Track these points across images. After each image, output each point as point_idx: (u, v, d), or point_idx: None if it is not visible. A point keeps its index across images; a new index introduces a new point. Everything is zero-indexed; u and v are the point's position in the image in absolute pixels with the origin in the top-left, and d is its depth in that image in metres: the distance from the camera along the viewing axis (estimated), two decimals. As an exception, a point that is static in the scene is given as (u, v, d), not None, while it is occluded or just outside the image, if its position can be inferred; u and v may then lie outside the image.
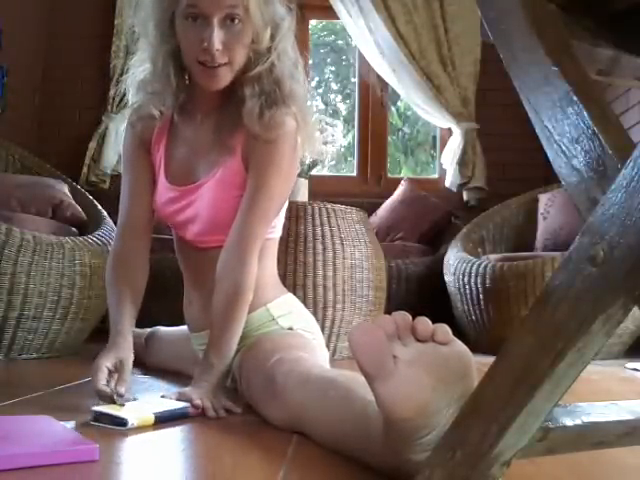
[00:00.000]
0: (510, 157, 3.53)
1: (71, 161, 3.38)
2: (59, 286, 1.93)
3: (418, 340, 0.70)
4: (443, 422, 0.67)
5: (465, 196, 3.49)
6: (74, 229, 2.34)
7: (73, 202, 2.42)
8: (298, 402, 1.00)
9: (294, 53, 1.35)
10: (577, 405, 0.61)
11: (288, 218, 2.15)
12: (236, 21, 1.23)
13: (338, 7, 3.52)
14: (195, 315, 1.46)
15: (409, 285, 2.90)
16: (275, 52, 1.29)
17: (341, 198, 2.77)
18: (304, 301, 2.03)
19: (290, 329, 1.37)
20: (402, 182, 3.48)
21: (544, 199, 2.95)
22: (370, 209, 3.02)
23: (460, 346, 0.71)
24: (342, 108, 4.72)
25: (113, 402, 1.11)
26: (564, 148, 0.53)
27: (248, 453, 0.93)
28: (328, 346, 2.00)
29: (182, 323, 1.58)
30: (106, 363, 1.21)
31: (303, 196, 2.48)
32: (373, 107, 3.78)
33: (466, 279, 2.59)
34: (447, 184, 3.52)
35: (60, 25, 3.61)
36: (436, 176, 3.80)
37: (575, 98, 0.52)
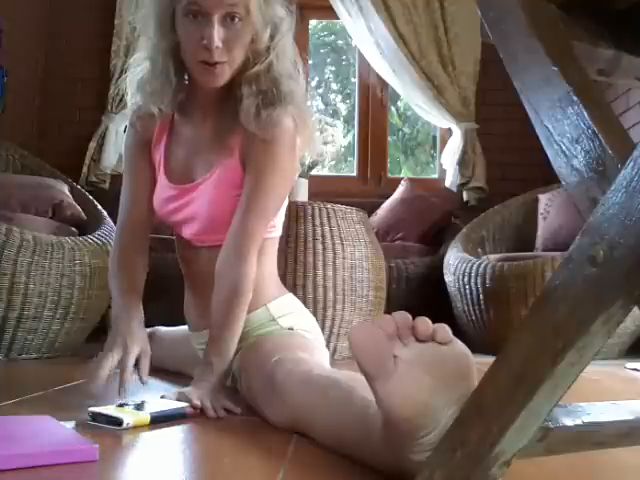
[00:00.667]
0: (510, 157, 3.53)
1: (71, 161, 3.38)
2: (59, 286, 1.93)
3: (418, 340, 0.70)
4: (443, 422, 0.67)
5: (465, 196, 3.49)
6: (74, 229, 2.34)
7: (73, 202, 2.42)
8: (298, 402, 1.00)
9: (293, 54, 1.36)
10: (577, 405, 0.61)
11: (288, 218, 2.16)
12: (236, 20, 1.23)
13: (338, 7, 3.52)
14: (195, 314, 1.46)
15: (409, 285, 2.90)
16: (274, 52, 1.30)
17: (341, 198, 2.77)
18: (304, 301, 2.03)
19: (290, 329, 1.37)
20: (402, 182, 3.48)
21: (544, 199, 2.95)
22: (370, 209, 3.02)
23: (460, 346, 0.71)
24: (342, 108, 4.72)
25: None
26: (564, 148, 0.53)
27: (248, 453, 0.93)
28: (328, 346, 2.00)
29: (182, 323, 1.58)
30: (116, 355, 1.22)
31: (303, 196, 2.48)
32: (373, 107, 3.78)
33: (466, 279, 2.59)
34: (447, 184, 3.52)
35: (60, 25, 3.61)
36: (436, 176, 3.80)
37: (575, 98, 0.52)
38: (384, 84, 3.67)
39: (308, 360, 1.15)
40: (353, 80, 4.16)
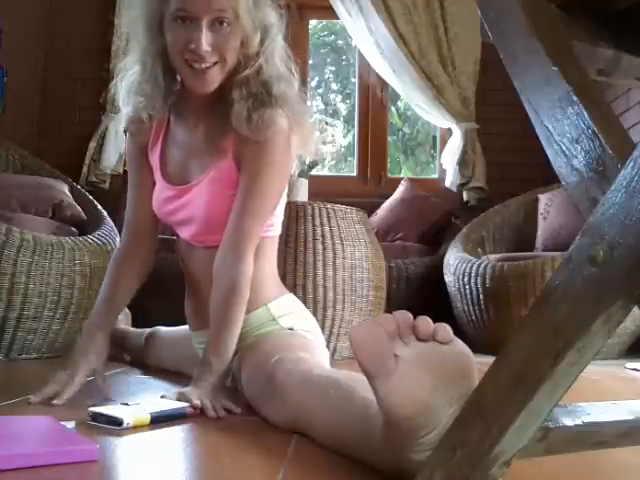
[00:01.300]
0: (510, 157, 3.53)
1: (71, 161, 3.38)
2: (59, 286, 1.93)
3: (419, 339, 0.70)
4: (443, 421, 0.67)
5: (465, 196, 3.49)
6: (74, 229, 2.34)
7: (73, 202, 2.42)
8: (298, 402, 1.00)
9: (285, 55, 1.36)
10: (577, 405, 0.61)
11: (288, 218, 2.16)
12: (225, 24, 1.24)
13: (338, 7, 3.52)
14: (195, 314, 1.46)
15: (409, 285, 2.90)
16: (264, 55, 1.30)
17: (341, 198, 2.77)
18: (304, 301, 2.03)
19: (291, 329, 1.37)
20: (402, 182, 3.48)
21: (544, 199, 2.95)
22: (370, 209, 3.02)
23: (461, 346, 0.71)
24: (342, 108, 4.72)
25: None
26: (564, 148, 0.53)
27: (248, 453, 0.93)
28: (328, 346, 1.99)
29: (182, 323, 1.58)
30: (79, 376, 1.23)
31: (303, 196, 2.48)
32: (373, 107, 3.78)
33: (466, 279, 2.59)
34: (447, 184, 3.52)
35: (60, 25, 3.61)
36: (436, 176, 3.80)
37: (575, 98, 0.52)
38: (384, 84, 3.67)
39: (308, 360, 1.15)
40: (353, 80, 4.16)
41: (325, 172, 3.79)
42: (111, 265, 1.43)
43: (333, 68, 4.97)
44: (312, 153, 1.42)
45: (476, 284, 2.55)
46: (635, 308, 0.52)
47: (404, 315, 0.71)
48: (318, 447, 0.93)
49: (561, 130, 0.53)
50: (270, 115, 1.27)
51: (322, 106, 4.62)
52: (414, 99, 3.54)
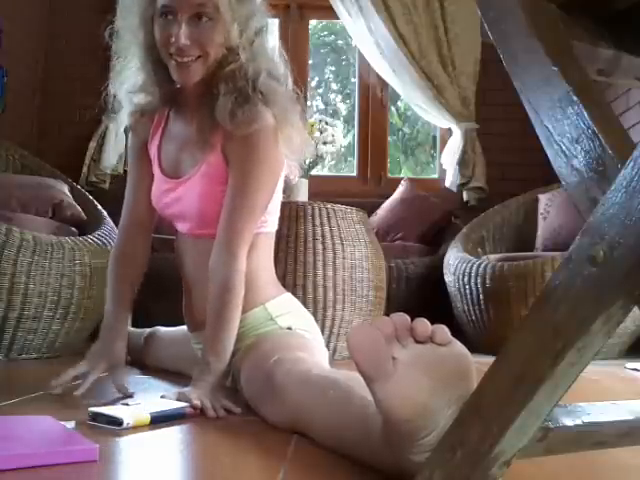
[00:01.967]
0: (510, 157, 3.53)
1: (71, 161, 3.38)
2: (59, 286, 1.93)
3: (417, 341, 0.70)
4: (442, 423, 0.67)
5: (465, 196, 3.48)
6: (74, 229, 2.34)
7: (73, 202, 2.42)
8: (297, 402, 1.00)
9: (274, 53, 1.38)
10: (577, 405, 0.61)
11: (288, 218, 2.16)
12: (205, 19, 1.26)
13: (338, 7, 3.52)
14: (191, 313, 1.46)
15: (409, 285, 2.90)
16: (250, 51, 1.31)
17: (341, 198, 2.77)
18: (304, 301, 2.03)
19: (289, 329, 1.37)
20: (402, 182, 3.48)
21: (544, 199, 2.95)
22: (370, 209, 3.02)
23: (459, 347, 0.71)
24: (342, 108, 4.72)
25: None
26: (564, 148, 0.53)
27: (247, 453, 0.93)
28: (328, 346, 2.00)
29: (182, 323, 1.58)
30: (96, 371, 1.30)
31: (303, 196, 2.48)
32: (373, 107, 3.77)
33: (466, 279, 2.59)
34: (447, 184, 3.52)
35: (60, 25, 3.61)
36: (436, 176, 3.80)
37: (575, 98, 0.52)
38: (384, 84, 3.66)
39: (307, 360, 1.15)
40: (353, 80, 4.16)
41: (325, 172, 3.79)
42: (111, 259, 1.46)
43: (333, 68, 4.97)
44: (300, 152, 1.40)
45: (476, 284, 2.55)
46: (635, 308, 0.52)
47: (401, 317, 0.71)
48: (318, 447, 0.93)
49: (561, 130, 0.53)
50: (254, 111, 1.28)
51: (322, 106, 4.62)
52: (414, 99, 3.54)
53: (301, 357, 1.16)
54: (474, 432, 0.56)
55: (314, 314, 2.02)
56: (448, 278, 2.73)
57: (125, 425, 0.99)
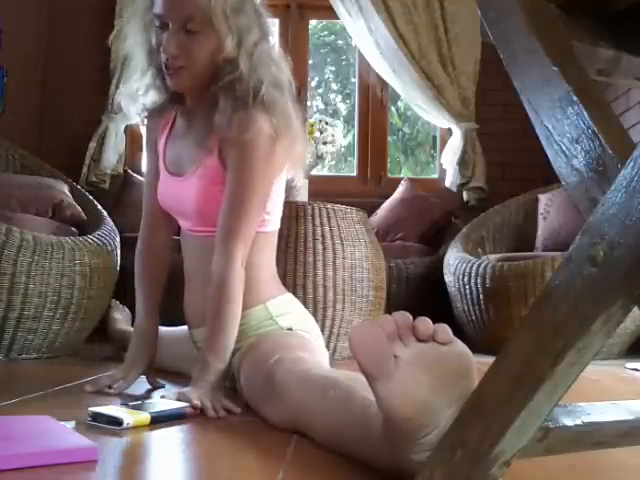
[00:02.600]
0: (510, 157, 3.53)
1: (71, 161, 3.38)
2: (59, 286, 1.93)
3: (419, 340, 0.70)
4: (443, 422, 0.67)
5: (465, 196, 3.49)
6: (74, 229, 2.34)
7: (73, 202, 2.42)
8: (298, 402, 1.00)
9: (277, 60, 1.39)
10: (577, 405, 0.61)
11: (288, 218, 2.16)
12: (193, 30, 1.29)
13: (338, 7, 3.52)
14: (194, 309, 1.46)
15: (409, 285, 2.90)
16: (248, 62, 1.32)
17: (341, 198, 2.77)
18: (304, 301, 2.03)
19: (289, 329, 1.37)
20: (402, 182, 3.48)
21: (544, 199, 2.95)
22: (370, 209, 3.02)
23: (461, 346, 0.71)
24: (342, 108, 4.72)
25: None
26: (564, 148, 0.53)
27: (247, 453, 0.93)
28: (328, 346, 2.00)
29: (182, 323, 1.58)
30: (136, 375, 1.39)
31: (303, 196, 2.48)
32: (373, 107, 3.77)
33: (466, 279, 2.59)
34: (447, 184, 3.52)
35: (60, 25, 3.61)
36: (436, 176, 3.80)
37: (575, 98, 0.52)
38: (384, 84, 3.66)
39: (307, 359, 1.15)
40: (353, 80, 4.16)
41: (325, 172, 3.79)
42: (140, 261, 1.50)
43: (333, 68, 4.97)
44: (301, 162, 1.44)
45: (476, 284, 2.55)
46: (635, 308, 0.52)
47: (403, 316, 0.71)
48: (318, 447, 0.93)
49: (561, 130, 0.53)
50: (250, 118, 1.29)
51: (322, 106, 4.62)
52: (414, 99, 3.54)
53: (301, 357, 1.16)
54: (474, 432, 0.56)
55: (314, 314, 2.02)
56: (448, 278, 2.73)
57: (125, 425, 0.99)
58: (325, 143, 2.54)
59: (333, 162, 3.88)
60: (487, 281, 2.51)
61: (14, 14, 3.22)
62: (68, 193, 2.47)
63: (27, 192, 2.34)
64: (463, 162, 3.43)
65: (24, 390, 1.30)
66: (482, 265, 2.55)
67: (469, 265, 2.59)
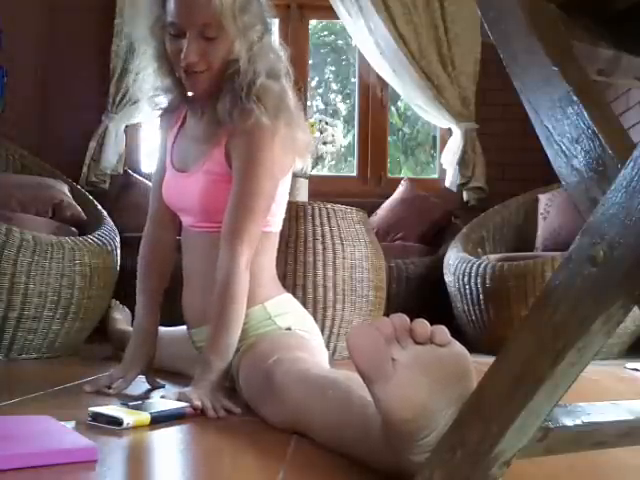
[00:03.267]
0: (510, 157, 3.53)
1: (71, 161, 3.38)
2: (59, 286, 1.93)
3: (416, 342, 0.70)
4: (442, 423, 0.67)
5: (465, 196, 3.48)
6: (74, 229, 2.34)
7: (73, 202, 2.42)
8: (297, 402, 1.00)
9: (278, 58, 1.42)
10: (577, 405, 0.61)
11: (288, 218, 2.16)
12: (210, 36, 1.32)
13: (338, 7, 3.52)
14: (193, 309, 1.46)
15: (409, 285, 2.90)
16: (252, 56, 1.36)
17: (341, 198, 2.77)
18: (304, 301, 2.03)
19: (288, 329, 1.37)
20: (402, 182, 3.48)
21: (544, 199, 2.95)
22: (370, 209, 3.02)
23: (458, 347, 0.71)
24: (342, 108, 4.72)
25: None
26: (564, 148, 0.53)
27: (247, 454, 0.93)
28: (328, 346, 2.00)
29: (182, 323, 1.58)
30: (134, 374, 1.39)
31: (303, 196, 2.48)
32: (373, 107, 3.77)
33: (466, 279, 2.59)
34: (447, 184, 3.52)
35: (60, 25, 3.61)
36: (436, 176, 3.80)
37: (575, 98, 0.52)
38: (384, 84, 3.66)
39: (307, 359, 1.15)
40: (353, 80, 4.16)
41: (325, 172, 3.79)
42: (142, 259, 1.51)
43: (333, 68, 4.97)
44: (304, 149, 1.45)
45: (476, 284, 2.55)
46: (635, 308, 0.52)
47: (401, 318, 0.71)
48: (317, 447, 0.93)
49: (561, 130, 0.53)
50: (251, 108, 1.32)
51: (322, 106, 4.62)
52: (414, 99, 3.54)
53: (300, 357, 1.16)
54: (474, 432, 0.56)
55: (314, 314, 2.02)
56: (448, 278, 2.73)
57: (125, 425, 0.99)
58: (325, 143, 2.54)
59: (333, 162, 3.88)
60: (487, 281, 2.51)
61: (14, 14, 3.22)
62: (68, 193, 2.47)
63: (27, 192, 2.34)
64: (463, 162, 3.43)
65: (24, 390, 1.30)
66: (482, 265, 2.55)
67: (469, 265, 2.59)
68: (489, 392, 0.57)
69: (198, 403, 1.11)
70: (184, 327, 1.56)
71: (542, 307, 0.54)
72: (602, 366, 2.15)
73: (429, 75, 3.45)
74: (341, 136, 2.63)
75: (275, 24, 3.79)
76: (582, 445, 0.63)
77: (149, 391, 1.38)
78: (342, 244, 2.18)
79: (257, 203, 1.32)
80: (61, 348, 2.01)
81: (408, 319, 0.71)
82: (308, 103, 3.75)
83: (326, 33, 4.89)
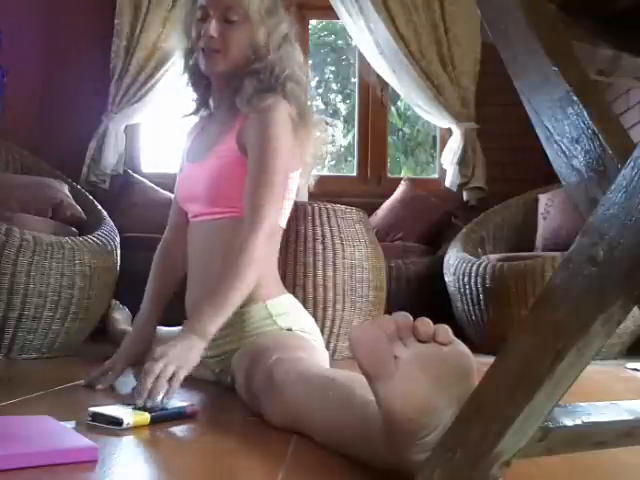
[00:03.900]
0: (510, 157, 3.53)
1: (71, 161, 3.38)
2: (59, 286, 1.93)
3: (419, 341, 0.70)
4: (444, 422, 0.67)
5: (465, 196, 3.48)
6: (74, 229, 2.34)
7: (73, 202, 2.42)
8: (297, 401, 1.00)
9: (300, 61, 1.50)
10: (577, 405, 0.61)
11: (288, 218, 2.16)
12: (232, 20, 1.41)
13: (338, 7, 3.52)
14: (195, 307, 1.46)
15: (409, 285, 2.90)
16: (276, 53, 1.43)
17: (341, 198, 2.77)
18: (304, 301, 2.03)
19: (289, 330, 1.37)
20: (402, 182, 3.48)
21: (544, 199, 2.95)
22: (370, 209, 3.02)
23: (461, 346, 0.71)
24: (342, 108, 4.72)
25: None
26: (564, 148, 0.53)
27: (247, 453, 0.93)
28: (328, 346, 2.00)
29: (182, 323, 1.58)
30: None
31: (303, 196, 2.48)
32: (373, 107, 3.77)
33: (466, 279, 2.59)
34: (447, 184, 3.52)
35: (60, 25, 3.61)
36: (436, 176, 3.80)
37: (575, 98, 0.52)
38: (384, 84, 3.66)
39: (307, 359, 1.15)
40: (353, 80, 4.16)
41: (325, 172, 3.79)
42: (154, 260, 1.56)
43: (333, 68, 4.97)
44: (313, 156, 1.51)
45: (476, 284, 2.55)
46: (635, 308, 0.52)
47: (404, 316, 0.71)
48: (318, 447, 0.93)
49: (561, 130, 0.53)
50: (271, 99, 1.36)
51: (322, 106, 4.62)
52: (414, 99, 3.54)
53: (301, 357, 1.16)
54: (474, 432, 0.56)
55: (314, 314, 2.02)
56: (448, 278, 2.73)
57: (125, 425, 0.99)
58: (325, 143, 2.54)
59: (333, 162, 3.88)
60: (487, 281, 2.51)
61: (14, 14, 3.22)
62: (68, 193, 2.47)
63: (27, 192, 2.33)
64: (463, 162, 3.43)
65: (24, 390, 1.30)
66: (482, 265, 2.55)
67: (469, 265, 2.59)
68: (489, 392, 0.57)
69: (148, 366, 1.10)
70: (184, 327, 1.56)
71: (542, 307, 0.54)
72: (602, 366, 2.15)
73: (429, 75, 3.45)
74: (341, 136, 2.63)
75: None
76: (582, 445, 0.63)
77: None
78: (342, 244, 2.18)
79: (274, 178, 1.33)
80: (61, 348, 2.01)
81: (411, 317, 0.71)
82: (308, 103, 3.75)
83: (326, 33, 4.89)
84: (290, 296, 1.46)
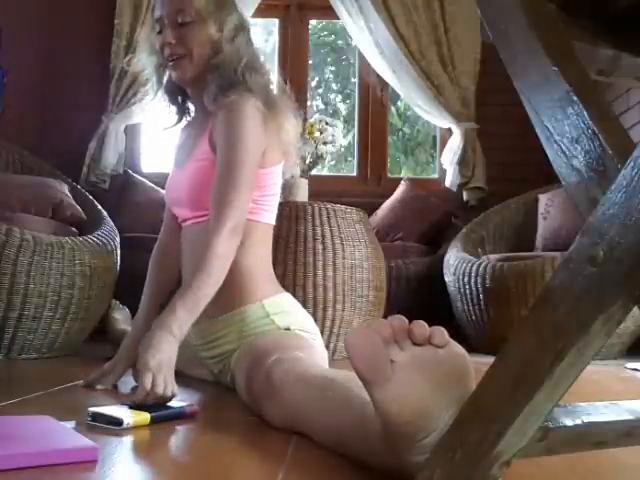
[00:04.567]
0: (510, 157, 3.53)
1: (71, 161, 3.38)
2: (59, 286, 1.93)
3: (415, 344, 0.70)
4: (442, 424, 0.67)
5: (465, 196, 3.49)
6: (74, 229, 2.34)
7: (73, 202, 2.42)
8: (296, 402, 1.00)
9: (256, 51, 1.50)
10: (577, 405, 0.61)
11: (288, 218, 2.16)
12: (186, 22, 1.41)
13: (338, 7, 3.52)
14: None
15: (409, 285, 2.90)
16: (230, 45, 1.43)
17: (341, 198, 2.77)
18: (304, 301, 2.03)
19: (287, 329, 1.36)
20: (402, 182, 3.48)
21: (544, 199, 2.95)
22: (370, 209, 3.02)
23: (457, 348, 0.71)
24: (342, 108, 4.72)
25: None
26: (564, 148, 0.53)
27: (247, 453, 0.93)
28: (328, 346, 2.00)
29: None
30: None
31: (303, 196, 2.48)
32: (373, 107, 3.77)
33: (466, 279, 2.59)
34: (447, 184, 3.52)
35: (60, 25, 3.61)
36: (436, 176, 3.80)
37: (575, 98, 0.52)
38: (384, 84, 3.67)
39: (306, 359, 1.15)
40: (353, 80, 4.16)
41: (325, 172, 3.79)
42: (150, 261, 1.57)
43: (333, 68, 4.97)
44: (290, 144, 1.47)
45: (476, 284, 2.55)
46: (635, 308, 0.52)
47: (399, 320, 0.71)
48: (318, 447, 0.93)
49: (561, 130, 0.53)
50: (235, 95, 1.37)
51: (322, 106, 4.62)
52: (414, 99, 3.54)
53: (300, 357, 1.16)
54: (474, 432, 0.56)
55: (314, 314, 2.03)
56: (448, 278, 2.73)
57: (125, 425, 0.99)
58: (325, 143, 2.54)
59: (333, 162, 3.88)
60: (487, 281, 2.51)
61: (14, 14, 3.22)
62: (68, 193, 2.47)
63: (27, 192, 2.33)
64: (463, 162, 3.43)
65: (24, 390, 1.30)
66: (482, 265, 2.55)
67: (469, 265, 2.59)
68: (489, 392, 0.57)
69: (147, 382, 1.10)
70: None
71: (542, 307, 0.54)
72: (602, 366, 2.15)
73: (429, 75, 3.45)
74: (341, 136, 2.63)
75: (275, 24, 3.79)
76: (582, 445, 0.63)
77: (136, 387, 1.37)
78: (342, 244, 2.18)
79: (240, 172, 1.32)
80: (61, 348, 2.01)
81: (407, 320, 0.71)
82: (308, 103, 3.75)
83: (326, 33, 4.89)
84: (287, 295, 1.46)
